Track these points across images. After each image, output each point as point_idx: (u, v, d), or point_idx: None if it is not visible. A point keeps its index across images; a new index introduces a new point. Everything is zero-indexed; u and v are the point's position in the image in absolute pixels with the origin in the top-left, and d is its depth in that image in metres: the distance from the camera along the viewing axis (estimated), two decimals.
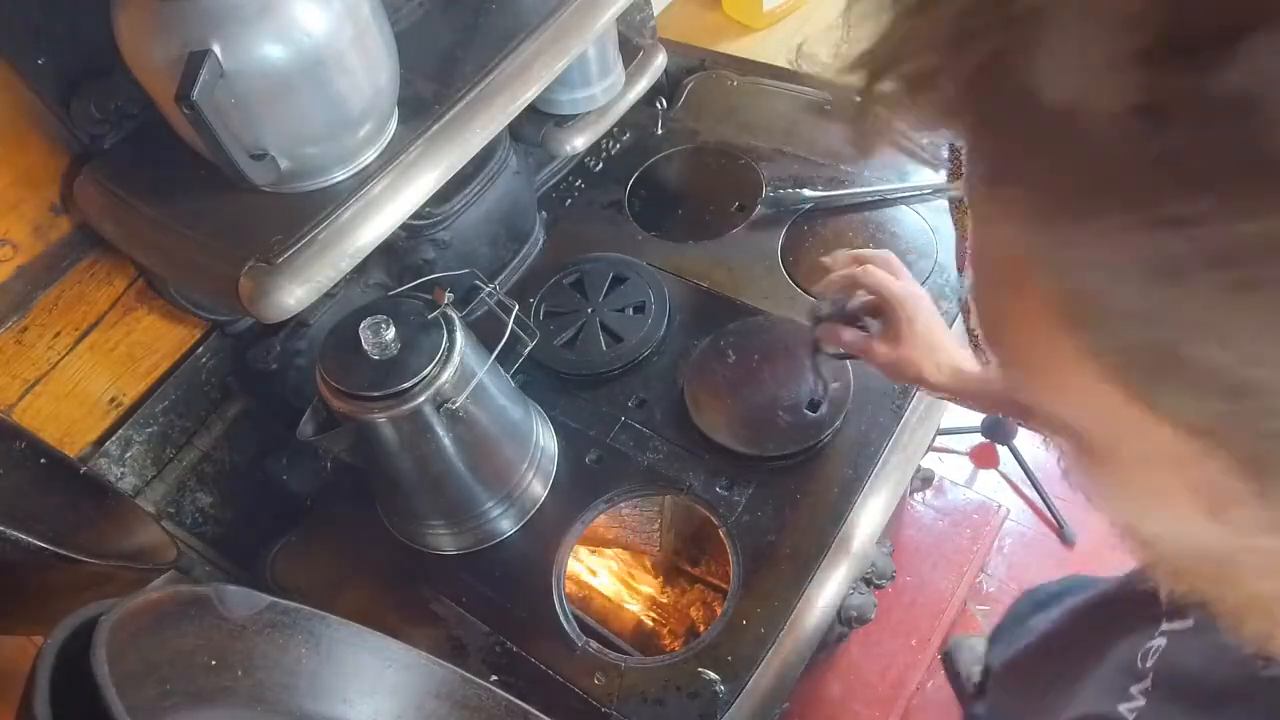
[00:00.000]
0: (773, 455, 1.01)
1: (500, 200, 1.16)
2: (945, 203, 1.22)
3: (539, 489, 1.04)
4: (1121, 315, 0.24)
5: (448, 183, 0.84)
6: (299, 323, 1.08)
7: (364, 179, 0.79)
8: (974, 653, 1.44)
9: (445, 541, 1.02)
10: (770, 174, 1.32)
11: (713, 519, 1.00)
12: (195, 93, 0.63)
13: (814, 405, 1.03)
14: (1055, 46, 0.23)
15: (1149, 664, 0.51)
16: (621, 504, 1.05)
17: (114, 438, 1.00)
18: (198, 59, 0.64)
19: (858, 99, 0.29)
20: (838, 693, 1.71)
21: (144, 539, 0.90)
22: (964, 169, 0.29)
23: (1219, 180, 0.21)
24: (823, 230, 1.24)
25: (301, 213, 0.77)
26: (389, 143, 0.82)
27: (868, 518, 0.98)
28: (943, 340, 0.80)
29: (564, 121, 1.12)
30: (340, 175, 0.80)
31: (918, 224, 1.21)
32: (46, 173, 0.84)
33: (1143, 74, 0.21)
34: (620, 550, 1.29)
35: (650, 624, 1.30)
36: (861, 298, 0.84)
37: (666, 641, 1.28)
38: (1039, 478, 1.95)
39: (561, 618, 0.95)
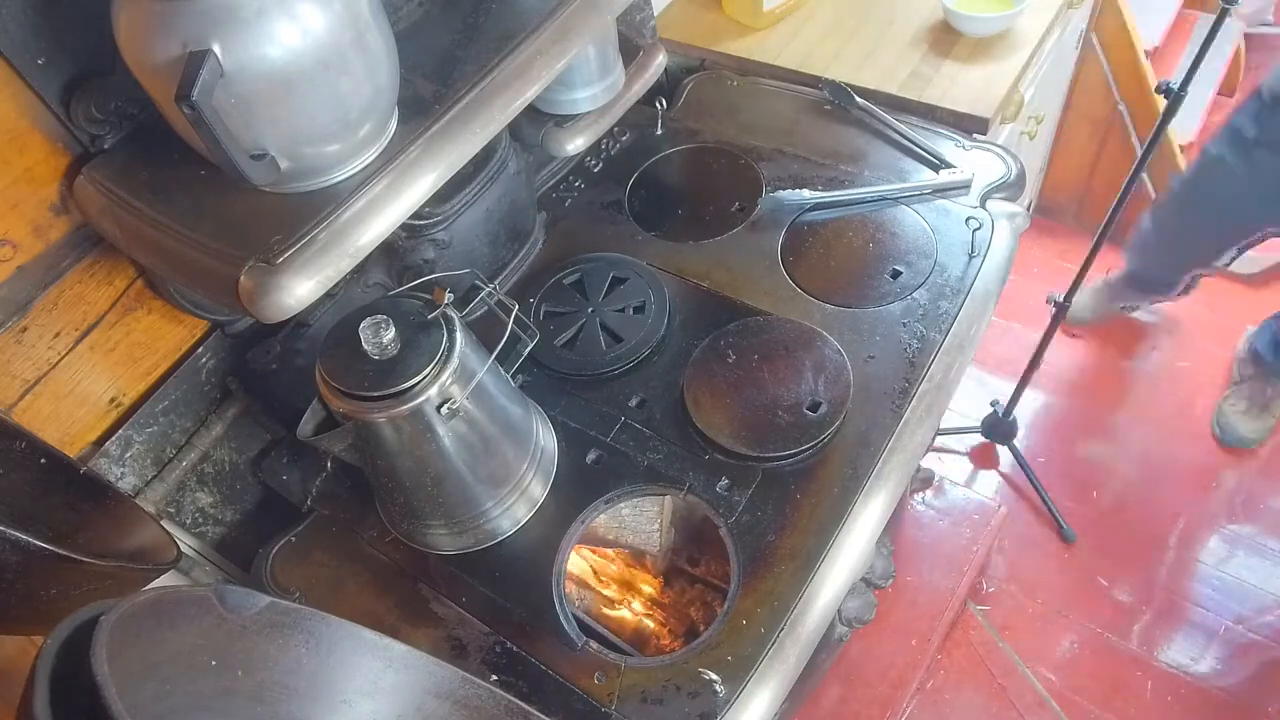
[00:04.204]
0: (773, 455, 1.01)
1: (500, 200, 1.16)
2: (945, 203, 1.22)
3: (539, 489, 1.04)
4: None
5: (447, 183, 0.84)
6: (299, 323, 1.08)
7: (364, 179, 0.79)
8: None
9: (445, 541, 1.02)
10: (770, 174, 1.32)
11: (713, 519, 1.00)
12: (195, 93, 0.63)
13: (814, 405, 1.03)
14: None
15: None
16: (621, 504, 1.05)
17: (114, 438, 1.00)
18: (198, 59, 0.64)
19: None
20: (838, 693, 1.71)
21: (144, 539, 0.90)
22: None
23: None
24: (823, 230, 1.24)
25: (301, 213, 0.77)
26: (389, 143, 0.83)
27: (868, 518, 0.98)
28: None
29: (564, 121, 1.12)
30: (340, 175, 0.80)
31: (918, 224, 1.21)
32: (46, 173, 0.85)
33: None
34: (620, 550, 1.29)
35: (650, 624, 1.30)
36: None
37: (666, 641, 1.28)
38: (1039, 478, 1.96)
39: (561, 618, 0.95)
